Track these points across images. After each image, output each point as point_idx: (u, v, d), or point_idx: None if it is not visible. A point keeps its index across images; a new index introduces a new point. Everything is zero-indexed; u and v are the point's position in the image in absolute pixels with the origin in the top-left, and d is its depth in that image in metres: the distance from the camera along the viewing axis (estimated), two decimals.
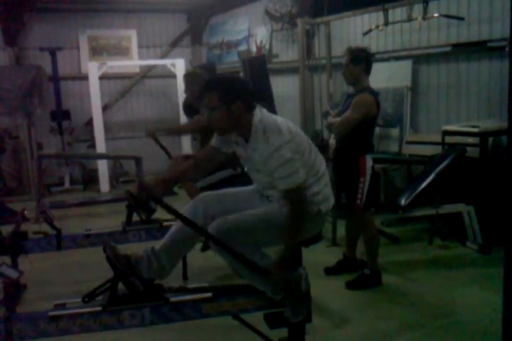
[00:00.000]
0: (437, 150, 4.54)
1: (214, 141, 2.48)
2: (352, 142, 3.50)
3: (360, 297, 3.41)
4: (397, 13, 5.16)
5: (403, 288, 3.54)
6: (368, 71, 3.53)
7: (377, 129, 5.59)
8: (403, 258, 4.11)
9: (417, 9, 4.85)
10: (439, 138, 4.52)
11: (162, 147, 4.45)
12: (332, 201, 2.46)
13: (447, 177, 4.26)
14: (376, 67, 5.52)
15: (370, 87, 3.53)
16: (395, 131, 5.48)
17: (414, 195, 4.14)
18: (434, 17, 4.72)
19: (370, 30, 5.30)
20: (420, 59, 5.25)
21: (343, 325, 3.02)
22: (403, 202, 4.12)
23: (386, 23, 5.05)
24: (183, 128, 5.16)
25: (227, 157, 2.55)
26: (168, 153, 4.46)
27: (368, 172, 3.48)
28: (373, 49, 5.70)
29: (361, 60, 3.48)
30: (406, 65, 5.31)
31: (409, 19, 4.89)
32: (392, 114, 5.48)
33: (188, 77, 4.49)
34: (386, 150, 5.58)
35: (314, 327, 2.58)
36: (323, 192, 2.37)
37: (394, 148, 5.49)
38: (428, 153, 4.67)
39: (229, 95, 2.22)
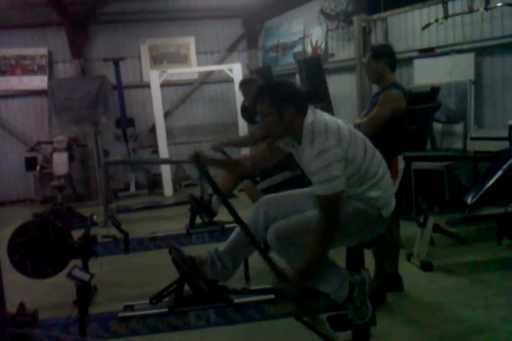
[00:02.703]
0: (504, 145, 4.37)
1: (280, 144, 2.50)
2: (381, 142, 3.17)
3: (426, 299, 3.32)
4: (457, 4, 4.99)
5: (472, 289, 3.42)
6: (392, 66, 3.35)
7: (440, 125, 5.45)
8: (471, 259, 3.97)
9: None
10: (505, 133, 4.35)
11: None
12: (393, 205, 2.40)
13: None
14: (437, 61, 5.44)
15: (397, 82, 3.37)
16: (458, 127, 5.30)
17: (481, 192, 3.98)
18: (497, 6, 4.54)
19: (429, 24, 5.16)
20: (483, 51, 5.05)
21: (409, 328, 2.95)
22: (469, 200, 3.97)
23: (446, 16, 4.90)
24: (244, 141, 5.16)
25: (284, 156, 2.56)
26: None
27: (400, 174, 3.28)
28: (433, 43, 5.56)
29: (383, 54, 3.31)
30: (468, 58, 5.12)
31: (471, 10, 4.72)
32: (455, 110, 5.30)
33: (244, 84, 4.53)
34: (450, 147, 5.40)
35: (379, 330, 2.53)
36: (385, 196, 2.32)
37: (458, 144, 5.30)
38: (494, 149, 4.47)
39: (279, 101, 2.25)
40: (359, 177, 2.26)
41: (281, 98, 2.27)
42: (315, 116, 2.27)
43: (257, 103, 2.32)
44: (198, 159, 2.43)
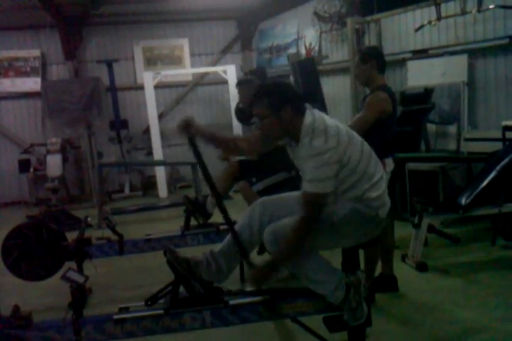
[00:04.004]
0: (498, 146, 4.39)
1: None
2: (368, 145, 3.31)
3: (421, 299, 3.33)
4: (450, 6, 5.03)
5: (467, 290, 3.43)
6: (380, 68, 3.36)
7: (434, 127, 5.47)
8: (465, 260, 3.98)
9: (471, 1, 4.70)
10: (499, 134, 4.37)
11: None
12: (388, 206, 2.40)
13: (510, 175, 4.09)
14: (430, 62, 5.46)
15: (386, 84, 3.38)
16: (452, 128, 5.33)
17: (475, 193, 4.00)
18: (489, 8, 4.57)
19: (422, 26, 5.19)
20: (476, 53, 5.08)
21: (405, 329, 2.96)
22: (464, 201, 3.99)
23: (439, 18, 4.93)
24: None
25: (281, 156, 2.56)
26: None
27: (387, 177, 3.31)
28: (426, 45, 5.58)
29: (371, 57, 3.33)
30: (461, 60, 5.15)
31: (463, 12, 4.76)
32: (448, 111, 5.33)
33: (241, 84, 4.53)
34: (444, 148, 5.43)
35: (375, 331, 2.54)
36: (382, 198, 2.33)
37: (452, 145, 5.33)
38: (488, 150, 4.50)
39: (277, 102, 2.24)
40: (357, 179, 2.26)
41: (279, 99, 2.25)
42: (314, 116, 2.25)
43: (254, 105, 2.31)
44: (188, 125, 2.41)
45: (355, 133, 2.34)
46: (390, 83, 5.94)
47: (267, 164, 4.09)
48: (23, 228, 3.39)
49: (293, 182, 4.09)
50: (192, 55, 8.96)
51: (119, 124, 8.20)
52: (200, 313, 2.31)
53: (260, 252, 3.80)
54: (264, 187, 4.06)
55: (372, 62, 3.33)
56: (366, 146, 2.35)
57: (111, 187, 8.36)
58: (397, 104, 3.40)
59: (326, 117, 2.30)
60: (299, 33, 7.76)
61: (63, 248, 3.40)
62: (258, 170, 4.12)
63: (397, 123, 3.44)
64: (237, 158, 4.34)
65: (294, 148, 2.32)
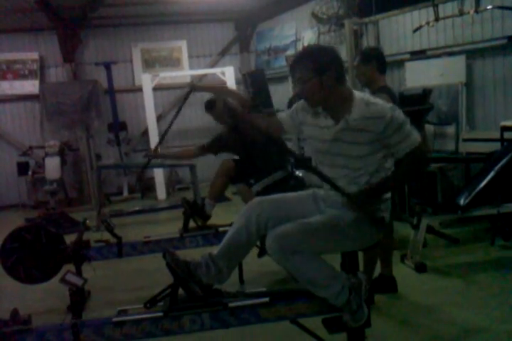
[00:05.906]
0: (496, 146, 4.39)
1: (283, 116, 2.50)
2: None
3: (420, 300, 3.33)
4: (448, 7, 5.03)
5: (465, 290, 3.43)
6: (381, 69, 3.36)
7: (432, 127, 5.47)
8: (464, 260, 3.98)
9: (469, 2, 4.70)
10: (497, 135, 4.37)
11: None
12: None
13: (508, 175, 4.09)
14: (428, 63, 5.48)
15: (387, 86, 3.37)
16: (450, 129, 5.32)
17: (473, 194, 4.00)
18: (487, 9, 4.57)
19: (420, 27, 5.19)
20: (474, 54, 5.08)
21: (404, 329, 2.96)
22: (462, 201, 3.99)
23: (437, 19, 4.93)
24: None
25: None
26: None
27: None
28: (424, 46, 5.59)
29: (371, 58, 3.33)
30: (459, 61, 5.16)
31: (461, 13, 4.75)
32: (446, 112, 5.33)
33: (209, 108, 4.41)
34: (442, 148, 5.43)
35: (374, 332, 2.53)
36: (388, 201, 2.33)
37: (450, 146, 5.32)
38: (486, 150, 4.50)
39: (321, 65, 2.18)
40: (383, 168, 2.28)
41: (323, 62, 2.19)
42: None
43: (296, 68, 2.25)
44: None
45: None
46: (388, 84, 5.97)
47: (262, 163, 4.07)
48: (22, 231, 3.38)
49: (289, 180, 4.08)
50: (190, 56, 8.96)
51: (117, 126, 8.20)
52: (199, 316, 2.31)
53: (260, 255, 3.78)
54: (263, 188, 4.04)
55: (373, 63, 3.33)
56: None
57: (109, 190, 8.35)
58: (398, 105, 3.39)
59: None
60: (297, 35, 7.77)
61: (62, 251, 3.40)
62: (254, 170, 4.10)
63: None
64: (233, 157, 4.33)
65: (329, 127, 2.26)
